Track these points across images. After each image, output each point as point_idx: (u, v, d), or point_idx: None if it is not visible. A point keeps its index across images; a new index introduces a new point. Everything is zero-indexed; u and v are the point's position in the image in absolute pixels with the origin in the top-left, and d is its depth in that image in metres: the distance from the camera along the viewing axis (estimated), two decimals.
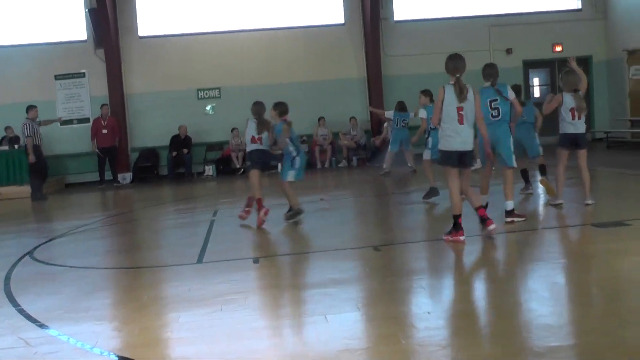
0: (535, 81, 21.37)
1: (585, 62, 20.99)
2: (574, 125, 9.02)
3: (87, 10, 18.70)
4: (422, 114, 11.37)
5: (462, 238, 7.23)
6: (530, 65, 20.94)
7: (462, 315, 4.94)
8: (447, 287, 5.71)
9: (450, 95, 7.20)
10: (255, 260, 7.32)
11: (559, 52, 20.72)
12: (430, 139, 10.75)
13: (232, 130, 18.55)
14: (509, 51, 20.44)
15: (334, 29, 20.00)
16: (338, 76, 19.70)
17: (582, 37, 20.66)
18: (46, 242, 9.61)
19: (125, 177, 18.51)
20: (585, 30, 20.69)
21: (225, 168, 18.75)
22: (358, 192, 13.72)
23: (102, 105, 18.29)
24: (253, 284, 6.51)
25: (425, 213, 10.30)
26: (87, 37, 19.08)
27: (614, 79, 20.60)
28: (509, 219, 8.26)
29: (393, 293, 5.72)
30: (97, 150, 17.99)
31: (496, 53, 20.32)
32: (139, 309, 5.69)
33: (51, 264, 7.93)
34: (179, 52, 19.36)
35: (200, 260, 7.54)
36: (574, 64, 9.59)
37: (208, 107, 19.42)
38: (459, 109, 7.20)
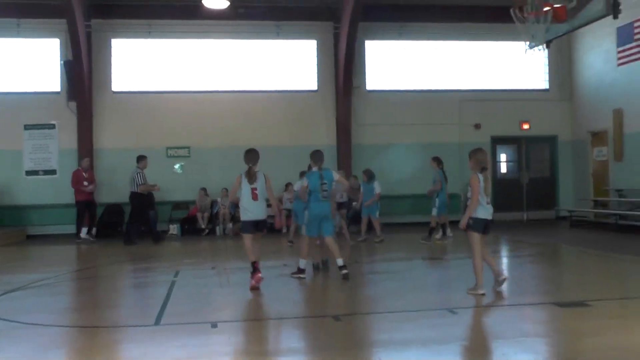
0: (503, 157, 21.73)
1: (551, 141, 21.52)
2: (486, 209, 8.53)
3: (62, 61, 18.74)
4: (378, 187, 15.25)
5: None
6: (498, 141, 21.33)
7: None
8: None
9: (244, 180, 9.38)
10: (214, 325, 7.18)
11: (527, 129, 21.21)
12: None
13: (200, 190, 18.50)
14: (477, 126, 20.83)
15: (307, 94, 20.26)
16: (309, 142, 19.74)
17: (549, 116, 21.22)
18: (0, 295, 9.35)
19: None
20: (551, 110, 21.26)
21: (190, 227, 18.58)
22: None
23: (84, 158, 18.00)
24: (210, 349, 6.36)
25: (384, 283, 10.26)
26: (61, 89, 19.07)
27: (578, 159, 21.06)
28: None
29: None
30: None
31: (465, 127, 20.73)
32: None
33: (3, 319, 7.69)
34: (151, 109, 19.40)
35: (158, 321, 7.39)
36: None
37: (177, 166, 19.39)
38: (253, 189, 9.31)
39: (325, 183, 10.02)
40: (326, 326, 7.15)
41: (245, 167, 9.49)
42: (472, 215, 8.44)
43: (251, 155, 9.52)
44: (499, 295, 8.56)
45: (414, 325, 7.02)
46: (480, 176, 8.50)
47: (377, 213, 15.54)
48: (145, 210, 16.84)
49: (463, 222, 8.52)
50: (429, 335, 6.71)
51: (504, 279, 8.77)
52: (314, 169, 10.24)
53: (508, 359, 5.64)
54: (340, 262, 10.08)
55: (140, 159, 16.47)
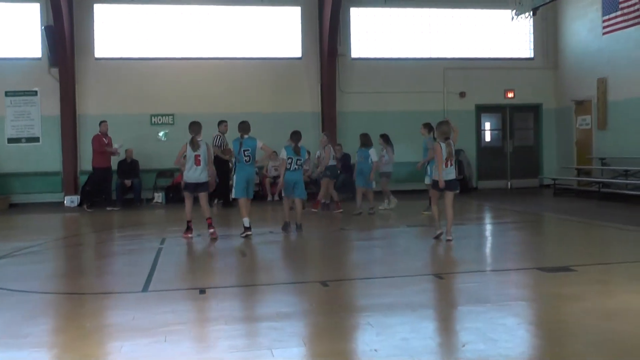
0: (487, 125, 21.77)
1: (535, 110, 21.60)
2: (445, 171, 10.06)
3: (43, 27, 18.44)
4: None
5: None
6: (482, 110, 21.37)
7: (409, 353, 4.93)
8: (396, 325, 5.70)
9: (189, 148, 10.93)
10: (202, 291, 7.21)
11: (511, 98, 21.26)
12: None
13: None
14: (462, 94, 20.84)
15: (291, 62, 20.12)
16: (293, 109, 19.78)
17: (534, 85, 21.26)
18: None
19: (73, 199, 18.13)
20: (536, 79, 21.29)
21: (175, 196, 18.50)
22: (308, 225, 13.64)
23: (101, 122, 17.24)
24: (199, 315, 6.40)
25: (372, 250, 10.35)
26: (42, 55, 18.78)
27: (562, 128, 21.17)
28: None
29: (340, 329, 5.70)
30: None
31: (450, 95, 20.75)
32: (81, 337, 5.53)
33: None
34: (134, 76, 19.19)
35: (145, 288, 7.40)
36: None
37: (161, 133, 19.23)
38: (196, 155, 10.85)
39: (248, 149, 11.34)
40: (314, 291, 7.20)
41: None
42: (432, 177, 10.39)
43: (195, 127, 11.11)
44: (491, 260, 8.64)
45: (401, 291, 7.08)
46: (443, 144, 10.07)
47: (374, 184, 14.55)
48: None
49: (441, 183, 10.02)
50: (417, 299, 6.77)
51: (449, 240, 10.09)
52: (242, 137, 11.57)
53: (494, 322, 5.71)
54: (246, 222, 11.23)
55: (220, 123, 16.39)
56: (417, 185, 16.50)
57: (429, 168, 13.36)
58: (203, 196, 11.14)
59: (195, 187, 11.09)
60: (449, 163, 10.09)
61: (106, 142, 17.10)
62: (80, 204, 17.80)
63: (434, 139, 14.25)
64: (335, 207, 15.01)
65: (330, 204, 15.25)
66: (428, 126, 13.78)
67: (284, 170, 11.90)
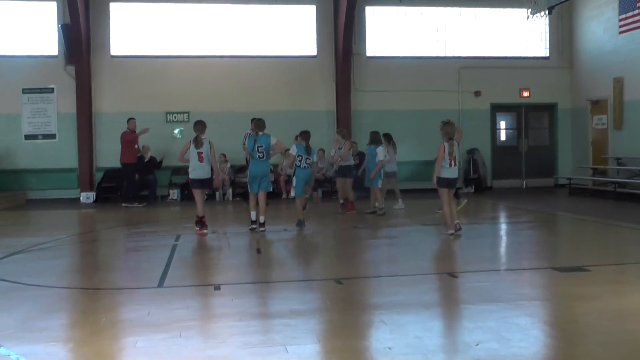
0: (502, 124, 21.70)
1: (551, 109, 21.50)
2: (449, 170, 10.65)
3: (60, 25, 18.58)
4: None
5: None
6: (497, 109, 21.30)
7: (422, 351, 4.94)
8: (410, 323, 5.71)
9: (192, 145, 11.43)
10: (217, 287, 7.25)
11: (527, 97, 21.18)
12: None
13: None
14: (477, 93, 20.78)
15: (306, 60, 20.15)
16: (307, 108, 19.81)
17: (549, 84, 21.17)
18: (3, 257, 9.41)
19: (89, 196, 18.27)
20: (552, 78, 21.20)
21: (190, 193, 18.50)
22: (322, 223, 13.66)
23: (130, 119, 17.42)
24: (213, 311, 6.44)
25: (385, 248, 10.35)
26: (58, 53, 18.93)
27: (577, 127, 21.05)
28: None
29: (354, 326, 5.72)
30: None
31: (465, 94, 20.69)
32: (96, 332, 5.58)
33: (6, 281, 7.76)
34: (150, 74, 19.29)
35: (161, 284, 7.45)
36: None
37: (176, 131, 19.23)
38: (199, 152, 11.32)
39: (262, 146, 11.58)
40: (328, 289, 7.21)
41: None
42: (438, 175, 10.63)
43: (199, 126, 11.63)
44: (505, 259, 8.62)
45: (415, 289, 7.09)
46: (446, 144, 10.55)
47: (380, 182, 14.15)
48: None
49: (433, 181, 10.74)
50: (430, 298, 6.78)
51: (451, 234, 10.61)
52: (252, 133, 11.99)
53: (508, 321, 5.70)
54: (261, 218, 11.63)
55: (252, 120, 16.30)
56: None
57: None
58: (201, 193, 11.68)
59: (201, 183, 11.60)
60: (452, 163, 10.61)
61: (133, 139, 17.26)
62: (94, 201, 17.94)
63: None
64: (347, 208, 14.52)
65: (343, 204, 15.01)
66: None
67: (291, 164, 12.48)
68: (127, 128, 17.25)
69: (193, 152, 11.39)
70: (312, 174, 12.64)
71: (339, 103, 19.98)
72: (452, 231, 10.64)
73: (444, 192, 10.75)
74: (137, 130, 17.23)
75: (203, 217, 11.55)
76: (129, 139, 17.12)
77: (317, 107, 20.02)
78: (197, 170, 11.45)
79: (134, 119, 17.45)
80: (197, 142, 11.41)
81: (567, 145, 21.45)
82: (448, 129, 10.72)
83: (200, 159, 11.38)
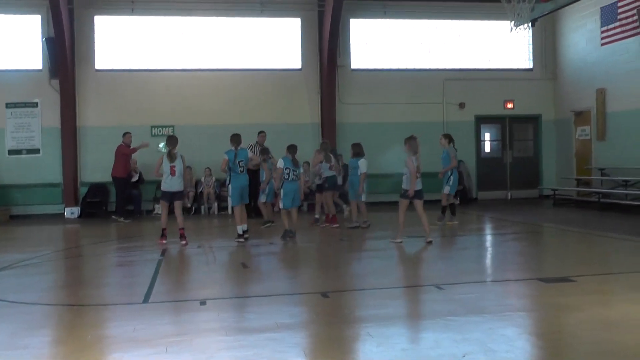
0: (487, 136, 21.81)
1: (535, 120, 21.65)
2: (418, 182, 11.23)
3: (44, 39, 18.51)
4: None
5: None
6: (482, 120, 21.41)
7: None
8: (396, 336, 5.71)
9: (165, 159, 11.92)
10: (203, 302, 7.22)
11: (511, 109, 21.32)
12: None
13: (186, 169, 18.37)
14: (461, 105, 20.89)
15: (291, 73, 20.17)
16: (292, 120, 19.82)
17: (533, 95, 21.33)
18: None
19: (73, 211, 18.15)
20: (535, 90, 21.36)
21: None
22: (309, 237, 13.65)
23: (125, 133, 17.30)
24: (199, 326, 6.40)
25: (372, 261, 10.35)
26: (43, 67, 18.84)
27: (561, 139, 21.21)
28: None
29: (341, 340, 5.71)
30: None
31: (449, 106, 20.79)
32: (81, 349, 5.53)
33: None
34: (135, 87, 19.24)
35: (146, 299, 7.41)
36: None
37: (161, 145, 19.10)
38: (172, 166, 11.82)
39: (242, 160, 12.26)
40: (315, 302, 7.20)
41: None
42: (403, 187, 11.28)
43: (172, 141, 12.19)
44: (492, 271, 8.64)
45: (401, 301, 7.10)
46: (413, 158, 11.15)
47: (364, 196, 14.00)
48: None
49: (410, 193, 11.18)
50: (416, 310, 6.80)
51: (430, 242, 11.20)
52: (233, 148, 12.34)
53: (494, 333, 5.72)
54: (244, 227, 12.16)
55: (259, 133, 16.45)
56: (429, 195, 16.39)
57: (451, 177, 14.03)
58: (178, 205, 12.10)
59: (172, 196, 12.04)
60: (418, 175, 11.29)
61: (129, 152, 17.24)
62: (79, 216, 17.84)
63: (455, 149, 14.32)
64: (330, 221, 14.49)
65: (317, 219, 14.92)
66: (448, 137, 14.39)
67: (279, 177, 12.60)
68: (123, 142, 17.17)
69: (166, 165, 11.89)
70: (299, 186, 12.78)
71: (324, 115, 19.99)
72: (399, 240, 11.41)
73: (405, 203, 11.40)
74: (133, 145, 17.15)
75: (164, 228, 12.17)
76: (125, 152, 17.07)
77: (303, 119, 20.04)
78: (168, 183, 11.98)
79: (130, 133, 17.40)
80: (171, 157, 11.93)
81: (552, 156, 21.59)
82: (413, 143, 11.41)
83: (173, 173, 11.89)
